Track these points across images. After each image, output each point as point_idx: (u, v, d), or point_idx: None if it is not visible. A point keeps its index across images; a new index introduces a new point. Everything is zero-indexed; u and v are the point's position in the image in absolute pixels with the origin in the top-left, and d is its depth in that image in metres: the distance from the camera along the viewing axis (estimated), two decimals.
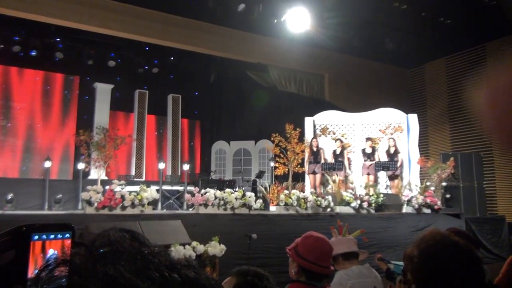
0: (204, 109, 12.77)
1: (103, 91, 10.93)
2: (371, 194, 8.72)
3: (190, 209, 8.27)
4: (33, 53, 9.98)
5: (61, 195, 8.70)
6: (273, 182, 9.15)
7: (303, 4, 8.89)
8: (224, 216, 7.38)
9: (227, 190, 7.85)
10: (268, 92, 11.22)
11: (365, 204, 8.48)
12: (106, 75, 10.95)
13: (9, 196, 8.11)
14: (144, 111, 11.48)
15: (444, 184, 9.35)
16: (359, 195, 8.70)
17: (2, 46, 9.72)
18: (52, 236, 1.44)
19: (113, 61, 10.84)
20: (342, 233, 2.78)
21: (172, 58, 11.39)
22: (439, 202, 8.98)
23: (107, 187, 7.41)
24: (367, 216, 8.30)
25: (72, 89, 10.90)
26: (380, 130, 10.15)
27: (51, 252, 1.40)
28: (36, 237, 1.40)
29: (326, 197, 8.36)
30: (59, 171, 10.21)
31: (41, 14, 8.47)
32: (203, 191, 7.78)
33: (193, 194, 7.85)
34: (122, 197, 7.09)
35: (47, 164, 8.85)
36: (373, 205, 8.56)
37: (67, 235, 1.52)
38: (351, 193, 8.69)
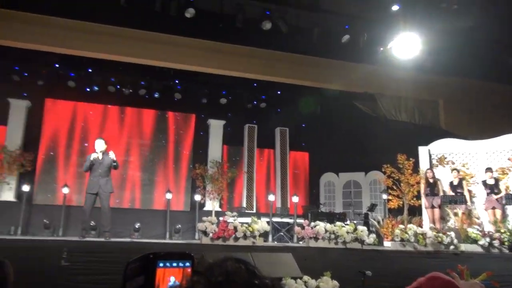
0: (311, 141, 12.78)
1: (216, 127, 11.64)
2: (502, 231, 7.76)
3: (301, 242, 8.19)
4: (156, 95, 11.10)
5: (180, 225, 9.30)
6: (387, 216, 8.67)
7: (410, 29, 8.55)
8: (335, 250, 7.16)
9: (338, 223, 7.64)
10: (378, 122, 10.85)
11: (496, 243, 7.56)
12: (219, 112, 11.67)
13: (137, 225, 8.90)
14: (253, 144, 11.90)
15: None
16: (488, 231, 7.79)
17: (130, 90, 10.98)
18: (174, 264, 1.52)
19: (224, 98, 11.55)
20: (464, 277, 2.47)
21: (279, 92, 11.73)
22: None
23: (221, 218, 7.72)
24: (499, 256, 7.36)
25: (188, 126, 11.78)
26: (509, 159, 9.09)
27: (172, 279, 1.47)
28: (161, 264, 1.49)
29: (448, 233, 7.64)
30: (178, 202, 10.94)
31: (163, 60, 9.42)
32: (312, 224, 7.68)
33: (303, 227, 7.78)
34: (235, 228, 7.32)
35: (168, 196, 9.58)
36: (506, 243, 7.58)
37: (188, 263, 1.59)
38: (477, 230, 7.83)
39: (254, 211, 11.02)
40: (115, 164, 7.60)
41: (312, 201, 11.92)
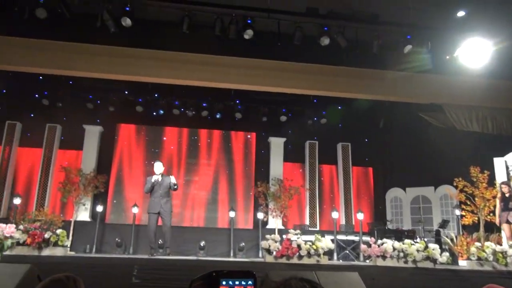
0: (375, 156, 12.40)
1: (277, 145, 11.69)
2: None
3: (367, 261, 7.91)
4: (218, 116, 11.40)
5: (243, 243, 9.35)
6: (461, 233, 8.13)
7: (478, 35, 8.10)
8: (405, 270, 6.82)
9: (407, 241, 7.30)
10: (447, 133, 10.29)
11: None
12: (279, 129, 11.73)
13: (202, 244, 9.08)
14: (315, 161, 11.78)
15: None
16: None
17: (193, 112, 11.38)
18: (237, 282, 1.53)
19: (284, 116, 11.59)
20: None
21: (339, 107, 11.57)
22: None
23: (284, 236, 7.67)
24: None
25: (250, 145, 11.94)
26: None
27: None
28: (224, 282, 1.51)
29: None
30: (241, 220, 11.05)
31: (223, 82, 9.67)
32: (379, 241, 7.40)
33: (369, 245, 7.52)
34: (299, 247, 7.24)
35: (231, 214, 9.70)
36: None
37: (250, 282, 1.60)
38: None
39: (318, 228, 10.83)
40: (175, 187, 8.10)
41: (378, 218, 11.48)
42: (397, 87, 9.77)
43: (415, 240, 7.66)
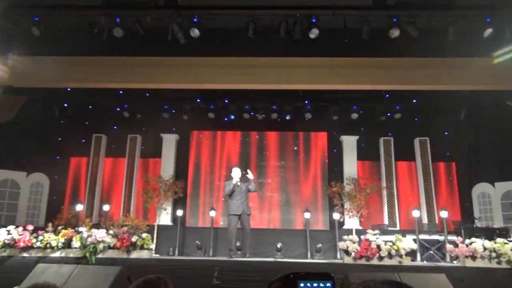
0: (457, 150, 11.60)
1: (349, 143, 11.42)
2: None
3: (455, 262, 7.44)
4: (287, 117, 11.40)
5: (320, 245, 9.25)
6: None
7: None
8: (498, 271, 6.32)
9: (499, 240, 6.77)
10: None
11: None
12: (351, 128, 11.45)
13: (279, 245, 9.12)
14: (390, 158, 11.32)
15: None
16: None
17: (263, 115, 11.50)
18: (315, 285, 1.51)
19: (355, 113, 11.28)
20: None
21: (415, 101, 11.02)
22: None
23: (362, 236, 7.46)
24: None
25: (321, 145, 11.79)
26: None
27: None
28: (302, 284, 1.50)
29: None
30: (317, 221, 10.94)
31: (291, 83, 9.66)
32: (467, 241, 6.94)
33: (456, 245, 7.08)
34: (378, 247, 7.01)
35: (306, 215, 9.65)
36: None
37: (328, 284, 1.57)
38: None
39: (398, 228, 10.39)
40: (254, 190, 8.51)
41: (465, 216, 10.74)
42: (479, 75, 9.09)
43: (508, 239, 7.06)
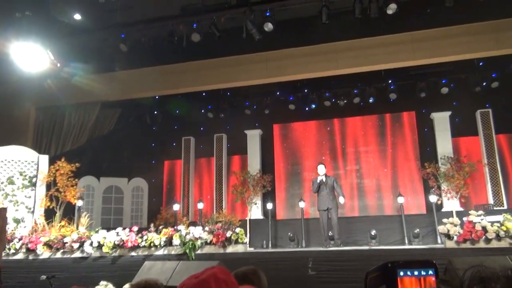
0: None
1: (441, 120, 10.64)
2: None
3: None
4: (371, 100, 10.97)
5: (418, 230, 8.79)
6: None
7: None
8: None
9: None
10: None
11: None
12: (442, 103, 10.68)
13: (373, 232, 8.87)
14: (490, 131, 10.34)
15: None
16: None
17: (345, 101, 11.22)
18: (416, 273, 1.43)
19: (445, 87, 10.51)
20: None
21: None
22: None
23: (465, 218, 6.96)
24: None
25: (411, 125, 11.17)
26: None
27: None
28: (402, 273, 1.42)
29: None
30: (411, 206, 10.42)
31: (372, 64, 9.29)
32: None
33: None
34: (484, 229, 6.48)
35: (400, 200, 9.24)
36: None
37: (430, 272, 1.47)
38: None
39: (506, 207, 9.50)
40: (338, 189, 8.68)
41: None
42: None
43: None
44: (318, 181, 8.63)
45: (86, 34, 9.07)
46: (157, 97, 11.28)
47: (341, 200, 8.67)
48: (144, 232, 8.20)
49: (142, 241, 7.98)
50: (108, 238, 8.05)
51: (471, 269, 0.79)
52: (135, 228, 8.36)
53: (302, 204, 9.72)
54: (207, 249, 7.79)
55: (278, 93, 11.67)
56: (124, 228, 8.41)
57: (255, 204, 10.95)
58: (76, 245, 8.08)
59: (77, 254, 8.09)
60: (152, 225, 8.72)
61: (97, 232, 8.29)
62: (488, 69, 10.22)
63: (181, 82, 10.26)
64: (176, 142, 12.54)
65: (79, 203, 9.29)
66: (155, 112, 12.17)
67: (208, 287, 1.14)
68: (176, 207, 9.59)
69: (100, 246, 8.03)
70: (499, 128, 10.42)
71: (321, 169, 8.73)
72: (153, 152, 12.72)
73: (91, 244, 8.06)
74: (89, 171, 11.39)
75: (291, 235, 9.47)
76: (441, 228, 7.02)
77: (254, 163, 11.50)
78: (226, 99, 11.79)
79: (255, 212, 10.95)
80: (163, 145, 12.76)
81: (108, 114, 11.40)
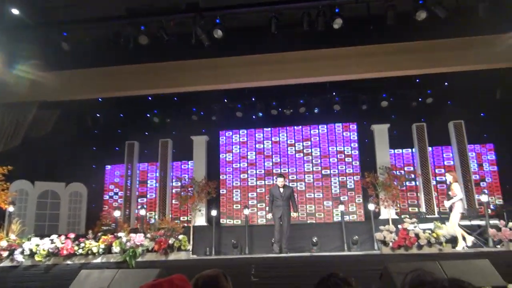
0: (495, 131, 11.20)
1: (380, 132, 11.22)
2: None
3: (498, 246, 7.21)
4: (316, 111, 11.33)
5: (357, 237, 9.15)
6: None
7: None
8: None
9: None
10: None
11: None
12: (381, 116, 11.25)
13: (314, 239, 9.11)
14: (424, 144, 11.05)
15: None
16: None
17: (291, 110, 11.47)
18: None
19: (385, 101, 11.08)
20: None
21: (446, 83, 10.72)
22: None
23: (399, 226, 7.34)
24: None
25: (352, 135, 11.65)
26: None
27: None
28: None
29: None
30: (352, 213, 10.85)
31: (318, 76, 9.58)
32: (511, 224, 6.70)
33: (499, 229, 6.85)
34: (417, 236, 6.87)
35: (341, 207, 9.58)
36: None
37: None
38: None
39: (436, 215, 10.15)
40: (294, 202, 9.05)
41: (506, 199, 10.38)
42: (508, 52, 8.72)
43: None
44: (273, 193, 8.96)
45: (25, 31, 8.62)
46: (100, 99, 10.91)
47: (294, 214, 9.02)
48: (81, 239, 7.88)
49: (79, 249, 7.66)
50: (42, 245, 7.65)
51: (411, 273, 0.86)
52: (72, 235, 8.01)
53: (246, 211, 9.80)
54: (148, 257, 7.62)
55: (225, 100, 11.71)
56: (59, 235, 8.03)
57: (200, 210, 10.88)
58: (5, 254, 7.61)
59: (6, 263, 7.60)
60: (90, 232, 8.40)
61: (29, 239, 7.85)
62: (424, 86, 10.90)
63: (126, 85, 9.97)
64: (119, 146, 12.19)
65: (10, 208, 8.75)
66: (98, 115, 11.74)
67: None
68: (117, 213, 9.32)
69: (32, 254, 7.62)
70: (433, 140, 11.15)
71: (280, 181, 9.02)
72: (94, 156, 12.24)
73: (22, 252, 7.62)
74: (23, 175, 10.76)
75: (235, 242, 9.51)
76: (378, 235, 7.36)
77: (199, 169, 11.44)
78: (173, 104, 11.64)
79: (199, 219, 10.88)
80: (105, 149, 12.33)
81: (46, 115, 10.82)
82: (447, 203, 8.07)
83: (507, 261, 5.94)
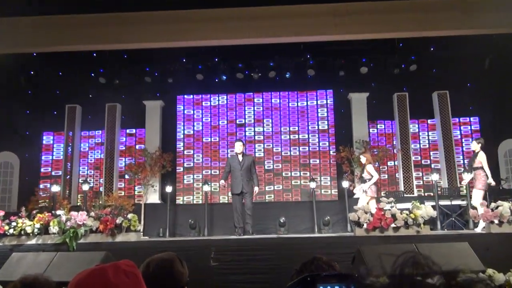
0: (481, 103, 11.55)
1: (358, 101, 11.34)
2: None
3: (476, 229, 7.56)
4: (287, 75, 11.28)
5: (328, 217, 9.35)
6: None
7: None
8: None
9: None
10: None
11: None
12: (360, 83, 11.34)
13: (282, 220, 9.23)
14: (406, 116, 11.26)
15: None
16: None
17: (260, 74, 11.37)
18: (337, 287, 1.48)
19: (365, 67, 11.14)
20: None
21: (432, 49, 10.88)
22: None
23: (375, 205, 7.53)
24: None
25: (327, 104, 11.71)
26: None
27: None
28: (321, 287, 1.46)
29: None
30: (324, 191, 11.02)
31: (290, 35, 9.47)
32: (493, 205, 7.00)
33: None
34: (393, 216, 7.07)
35: (312, 185, 9.71)
36: None
37: (352, 287, 1.53)
38: None
39: (415, 194, 10.48)
40: (254, 174, 8.79)
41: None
42: (506, 16, 8.90)
43: None
44: (234, 161, 8.70)
45: None
46: (34, 54, 10.40)
47: (255, 189, 8.81)
48: (13, 218, 7.65)
49: (9, 228, 7.45)
50: None
51: (403, 255, 0.86)
52: (1, 213, 7.76)
53: (206, 188, 9.77)
54: (92, 238, 7.51)
55: (184, 60, 11.43)
56: None
57: (152, 186, 10.77)
58: None
59: None
60: (23, 209, 8.15)
61: None
62: (408, 51, 11.01)
63: (66, 38, 9.51)
64: (57, 110, 11.75)
65: None
66: (31, 73, 11.21)
67: (105, 274, 1.16)
68: (55, 188, 9.07)
69: None
70: (415, 112, 11.38)
71: (239, 147, 8.80)
72: (28, 121, 11.75)
73: None
74: None
75: (192, 222, 9.51)
76: (351, 216, 7.52)
77: (152, 139, 11.25)
78: (122, 63, 11.25)
79: (152, 195, 10.78)
80: (41, 114, 11.84)
81: None
82: (364, 186, 8.47)
83: (486, 244, 6.23)
